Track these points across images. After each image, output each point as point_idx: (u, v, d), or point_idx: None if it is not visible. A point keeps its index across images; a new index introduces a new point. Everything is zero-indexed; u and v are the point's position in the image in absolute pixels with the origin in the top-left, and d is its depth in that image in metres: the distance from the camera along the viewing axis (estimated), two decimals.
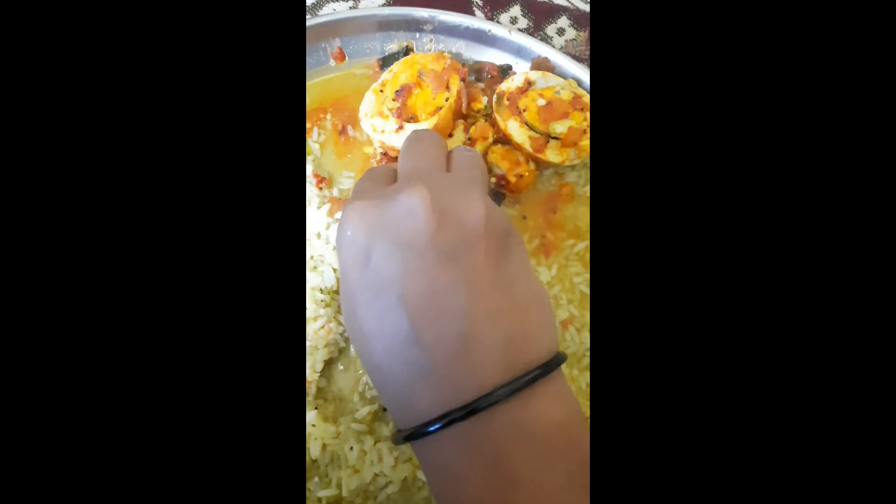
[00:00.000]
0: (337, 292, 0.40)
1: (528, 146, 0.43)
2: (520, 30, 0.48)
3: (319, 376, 0.39)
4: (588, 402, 0.40)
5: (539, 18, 0.55)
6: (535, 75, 0.45)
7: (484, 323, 0.27)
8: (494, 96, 0.44)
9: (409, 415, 0.29)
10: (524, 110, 0.44)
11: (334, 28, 0.47)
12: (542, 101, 0.43)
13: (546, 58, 0.46)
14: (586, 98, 0.44)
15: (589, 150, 0.43)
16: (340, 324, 0.40)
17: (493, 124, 0.44)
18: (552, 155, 0.43)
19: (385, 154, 0.45)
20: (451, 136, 0.44)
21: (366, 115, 0.44)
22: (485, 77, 0.47)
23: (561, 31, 0.55)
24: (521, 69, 0.47)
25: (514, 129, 0.43)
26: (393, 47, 0.48)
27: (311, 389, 0.39)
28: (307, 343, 0.39)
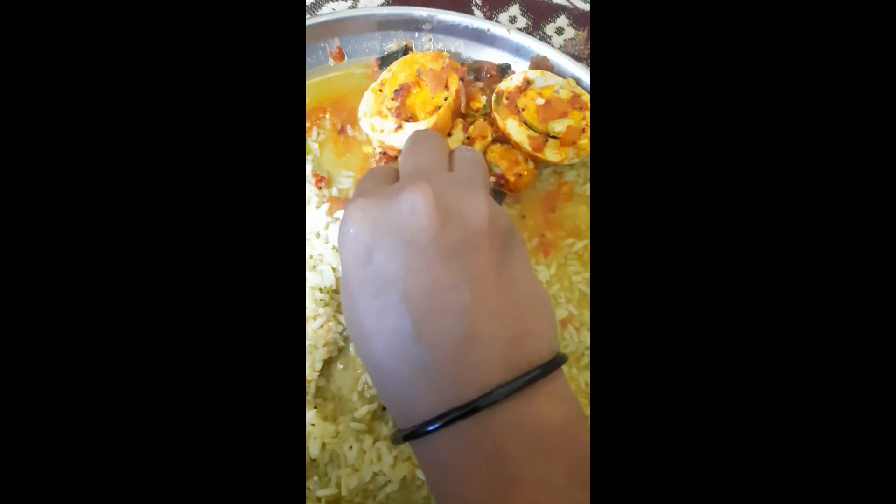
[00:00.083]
0: (336, 291, 0.40)
1: (526, 145, 0.43)
2: (519, 29, 0.48)
3: (319, 375, 0.39)
4: (587, 401, 0.40)
5: (538, 18, 0.55)
6: (533, 74, 0.45)
7: (486, 322, 0.27)
8: (493, 95, 0.44)
9: (409, 413, 0.29)
10: (523, 109, 0.44)
11: (333, 27, 0.47)
12: (540, 101, 0.43)
13: (545, 57, 0.46)
14: (585, 97, 0.44)
15: (588, 148, 0.43)
16: (340, 323, 0.40)
17: (492, 123, 0.44)
18: (551, 154, 0.43)
19: (384, 153, 0.45)
20: (449, 135, 0.44)
21: (365, 115, 0.44)
22: (484, 76, 0.47)
23: (560, 31, 0.55)
24: (520, 68, 0.47)
25: (513, 129, 0.43)
26: (392, 47, 0.48)
27: (310, 388, 0.39)
28: (306, 342, 0.39)
